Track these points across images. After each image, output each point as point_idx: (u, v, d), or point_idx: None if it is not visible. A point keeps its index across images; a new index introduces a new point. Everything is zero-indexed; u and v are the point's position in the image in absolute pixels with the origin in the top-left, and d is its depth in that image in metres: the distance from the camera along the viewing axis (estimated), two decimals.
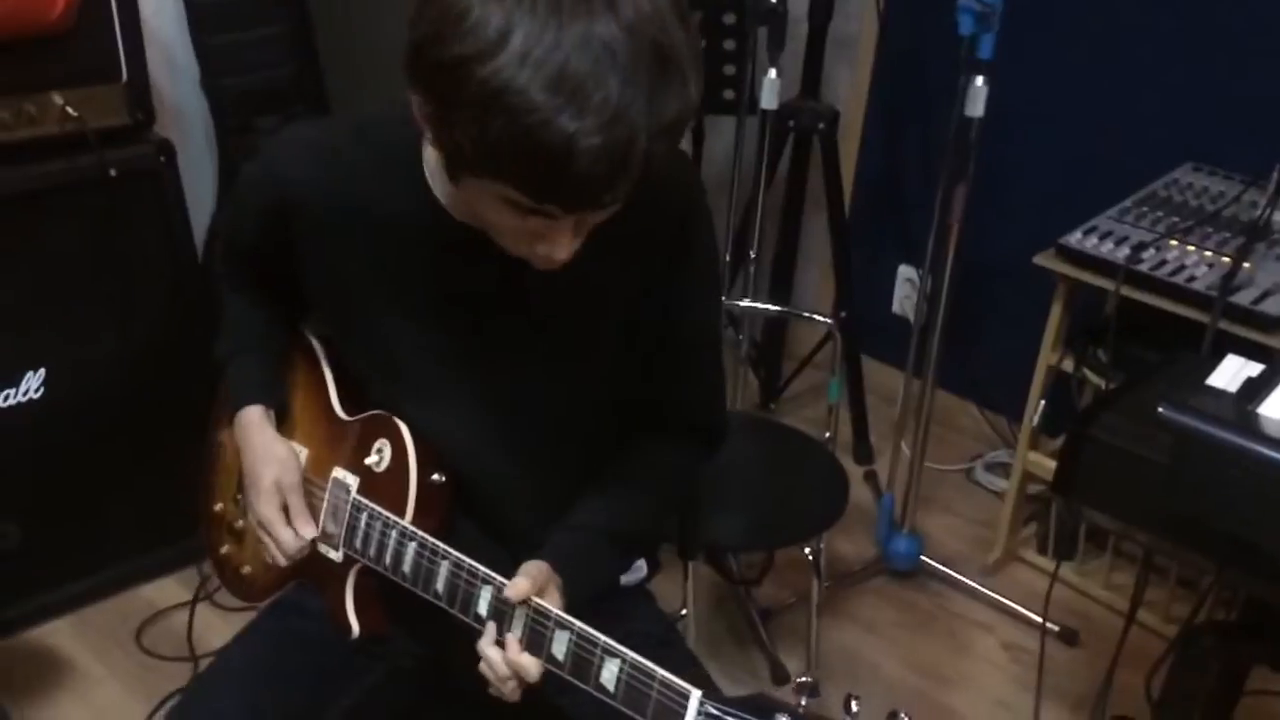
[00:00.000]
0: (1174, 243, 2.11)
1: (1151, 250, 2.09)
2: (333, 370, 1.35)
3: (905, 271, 3.03)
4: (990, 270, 2.64)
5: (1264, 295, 1.95)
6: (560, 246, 1.03)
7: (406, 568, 1.20)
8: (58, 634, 2.26)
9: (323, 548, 1.29)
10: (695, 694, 1.01)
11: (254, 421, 1.32)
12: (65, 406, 2.14)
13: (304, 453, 1.34)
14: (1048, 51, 2.57)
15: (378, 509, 1.22)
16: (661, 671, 1.04)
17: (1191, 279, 2.01)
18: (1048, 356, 2.32)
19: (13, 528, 2.15)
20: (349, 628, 1.27)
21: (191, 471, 1.52)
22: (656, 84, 0.90)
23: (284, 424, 1.35)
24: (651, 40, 0.90)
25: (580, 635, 1.08)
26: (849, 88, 2.97)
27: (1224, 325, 1.93)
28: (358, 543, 1.24)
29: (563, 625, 1.10)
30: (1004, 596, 2.44)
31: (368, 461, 1.24)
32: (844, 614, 2.42)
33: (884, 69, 2.90)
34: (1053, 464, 2.36)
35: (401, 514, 1.21)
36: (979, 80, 2.10)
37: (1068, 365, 2.28)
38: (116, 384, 2.19)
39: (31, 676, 2.16)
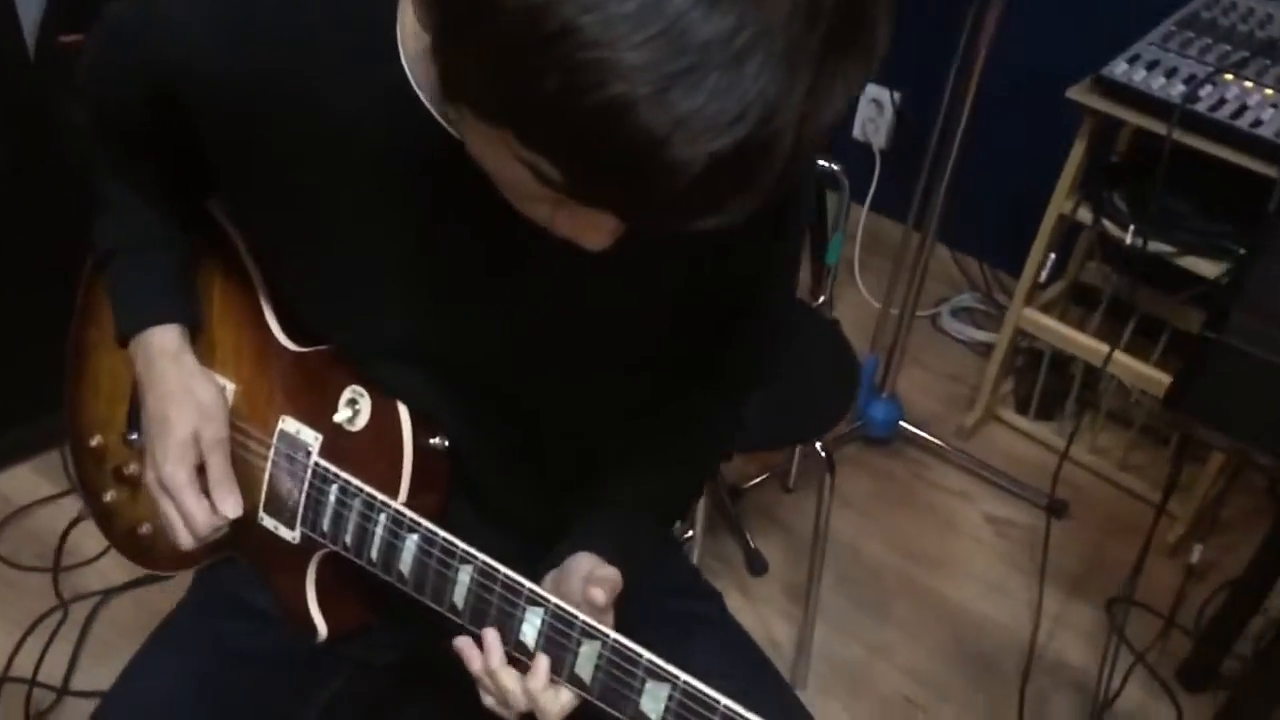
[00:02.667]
0: (1229, 77, 1.81)
1: (1208, 87, 1.79)
2: (265, 278, 0.97)
3: (873, 91, 2.67)
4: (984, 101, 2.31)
5: None
6: (593, 237, 0.66)
7: (405, 568, 0.85)
8: None
9: (269, 523, 0.93)
10: None
11: (168, 348, 0.93)
12: None
13: (229, 389, 0.96)
14: None
15: (355, 483, 0.87)
16: (725, 700, 0.75)
17: (1257, 123, 1.72)
18: (1060, 204, 2.03)
19: None
20: (313, 628, 0.94)
21: (51, 335, 1.12)
22: (831, 55, 0.52)
23: (196, 345, 0.96)
24: None
25: (615, 651, 0.78)
26: None
27: None
28: (324, 524, 0.89)
29: (590, 635, 0.79)
30: (984, 461, 2.24)
31: (337, 418, 0.88)
32: (816, 485, 2.18)
33: None
34: (1049, 322, 2.14)
35: (392, 492, 0.85)
36: None
37: (1083, 215, 2.00)
38: None
39: None
